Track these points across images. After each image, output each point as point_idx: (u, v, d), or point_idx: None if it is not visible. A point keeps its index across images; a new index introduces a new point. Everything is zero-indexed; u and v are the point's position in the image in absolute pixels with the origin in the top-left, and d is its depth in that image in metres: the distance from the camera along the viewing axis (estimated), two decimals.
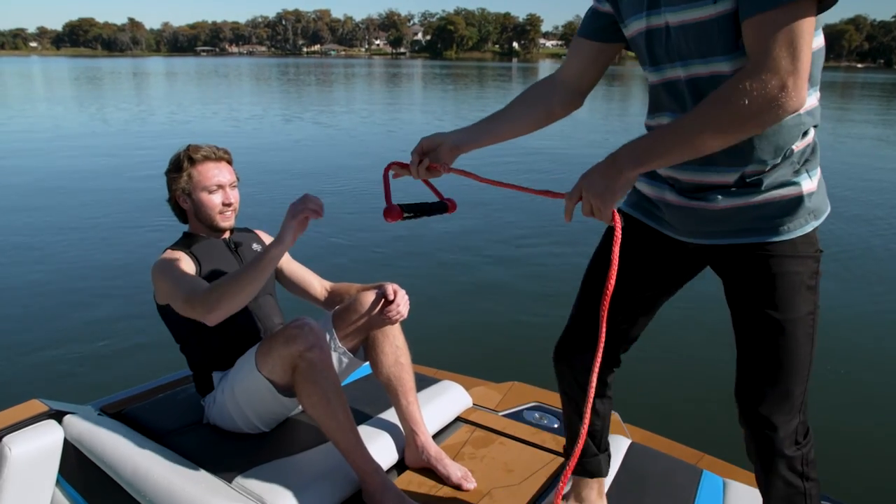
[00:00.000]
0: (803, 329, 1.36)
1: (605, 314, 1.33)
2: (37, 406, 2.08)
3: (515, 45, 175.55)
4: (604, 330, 1.34)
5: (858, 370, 3.95)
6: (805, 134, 1.32)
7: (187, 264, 2.00)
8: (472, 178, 1.53)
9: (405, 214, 1.60)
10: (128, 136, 14.15)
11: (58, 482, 2.03)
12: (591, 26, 1.49)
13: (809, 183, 1.34)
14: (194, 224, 2.15)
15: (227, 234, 2.18)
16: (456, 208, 1.70)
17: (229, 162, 2.17)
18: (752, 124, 1.17)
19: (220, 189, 2.10)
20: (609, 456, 1.79)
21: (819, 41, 1.24)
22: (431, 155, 1.60)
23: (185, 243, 2.09)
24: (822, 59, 1.29)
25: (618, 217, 1.29)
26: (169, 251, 2.06)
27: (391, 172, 1.66)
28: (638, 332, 1.66)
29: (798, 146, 1.31)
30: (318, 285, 2.32)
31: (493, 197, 8.20)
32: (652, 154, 1.25)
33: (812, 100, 1.29)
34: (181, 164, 2.08)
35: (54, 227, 6.93)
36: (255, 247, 2.23)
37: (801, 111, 1.26)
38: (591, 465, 1.76)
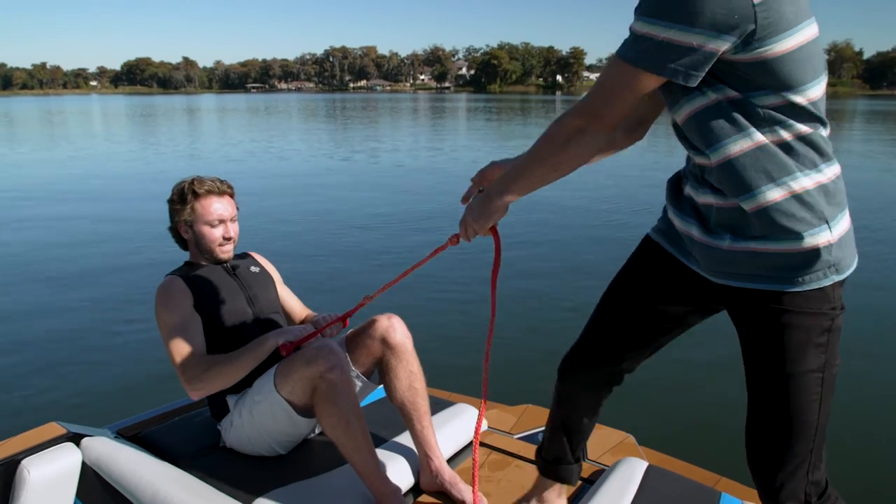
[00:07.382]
0: (807, 387, 1.30)
1: (493, 292, 1.67)
2: (55, 429, 2.11)
3: (559, 78, 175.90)
4: (494, 308, 1.67)
5: None
6: (814, 167, 1.22)
7: (185, 300, 2.04)
8: (391, 285, 1.89)
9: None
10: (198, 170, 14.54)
11: None
12: None
13: (828, 234, 1.23)
14: (194, 253, 2.21)
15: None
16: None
17: (231, 196, 2.21)
18: (558, 158, 1.29)
19: (221, 223, 2.15)
20: (580, 467, 1.84)
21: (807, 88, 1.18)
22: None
23: (185, 271, 2.15)
24: (816, 87, 1.20)
25: (496, 231, 1.60)
26: (169, 278, 2.10)
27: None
28: (636, 361, 1.63)
29: (807, 185, 1.21)
30: (300, 311, 2.39)
31: (511, 222, 8.23)
32: (508, 183, 1.44)
33: (800, 127, 1.20)
34: (185, 197, 2.12)
35: (86, 256, 7.20)
36: (253, 269, 2.27)
37: (788, 136, 1.20)
38: (563, 473, 1.81)
